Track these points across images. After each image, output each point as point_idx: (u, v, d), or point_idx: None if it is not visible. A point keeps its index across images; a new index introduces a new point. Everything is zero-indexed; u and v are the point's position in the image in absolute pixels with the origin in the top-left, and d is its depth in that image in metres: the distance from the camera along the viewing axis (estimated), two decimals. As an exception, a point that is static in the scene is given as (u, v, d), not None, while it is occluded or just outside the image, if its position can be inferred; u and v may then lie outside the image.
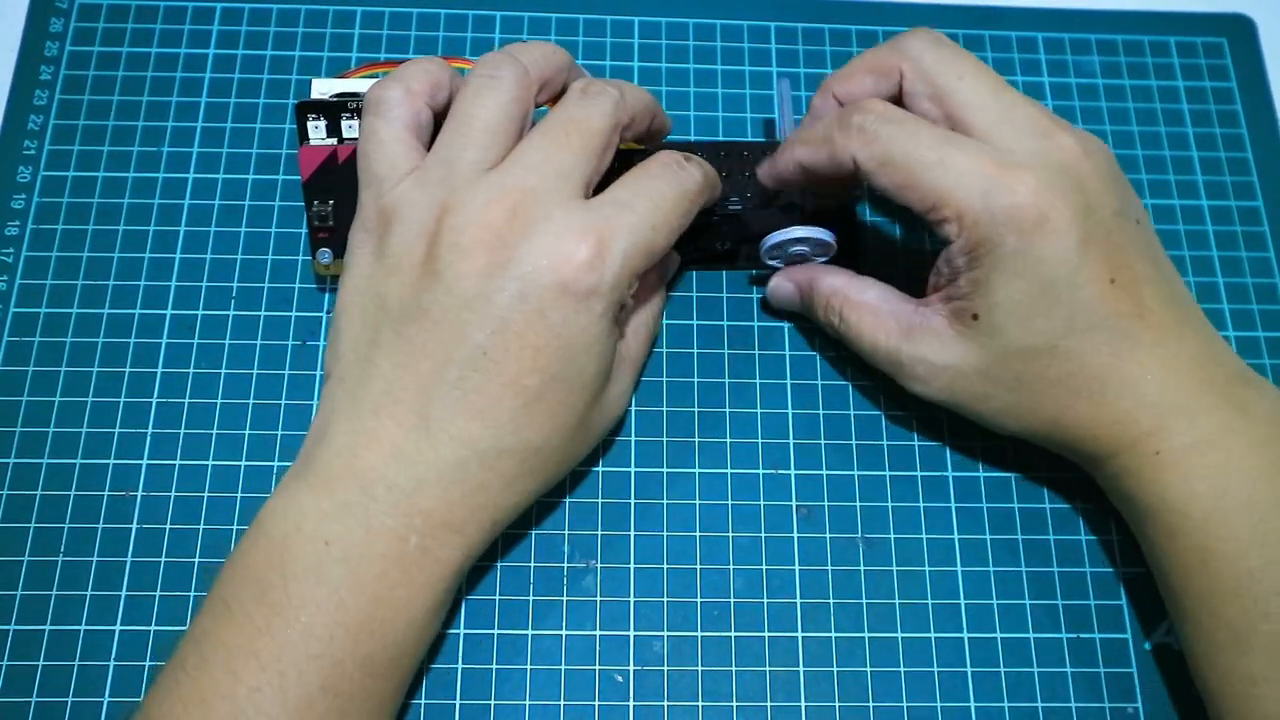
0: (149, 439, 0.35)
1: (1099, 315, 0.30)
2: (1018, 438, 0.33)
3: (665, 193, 0.30)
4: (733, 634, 0.33)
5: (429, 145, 0.31)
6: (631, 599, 0.33)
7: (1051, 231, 0.29)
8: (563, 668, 0.33)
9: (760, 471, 0.35)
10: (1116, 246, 0.30)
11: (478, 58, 0.31)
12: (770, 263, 0.36)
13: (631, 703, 0.32)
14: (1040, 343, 0.30)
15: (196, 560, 0.33)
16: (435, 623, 0.29)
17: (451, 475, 0.28)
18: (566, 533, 0.34)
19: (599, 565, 0.34)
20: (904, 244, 0.39)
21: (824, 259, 0.36)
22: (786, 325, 0.37)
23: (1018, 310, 0.30)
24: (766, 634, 0.33)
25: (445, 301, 0.28)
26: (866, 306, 0.33)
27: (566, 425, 0.30)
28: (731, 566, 0.34)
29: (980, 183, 0.29)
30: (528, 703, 0.32)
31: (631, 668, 0.33)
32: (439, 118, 0.31)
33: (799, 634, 0.33)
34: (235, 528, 0.34)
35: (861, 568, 0.34)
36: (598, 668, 0.33)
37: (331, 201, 0.34)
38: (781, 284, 0.36)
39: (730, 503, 0.35)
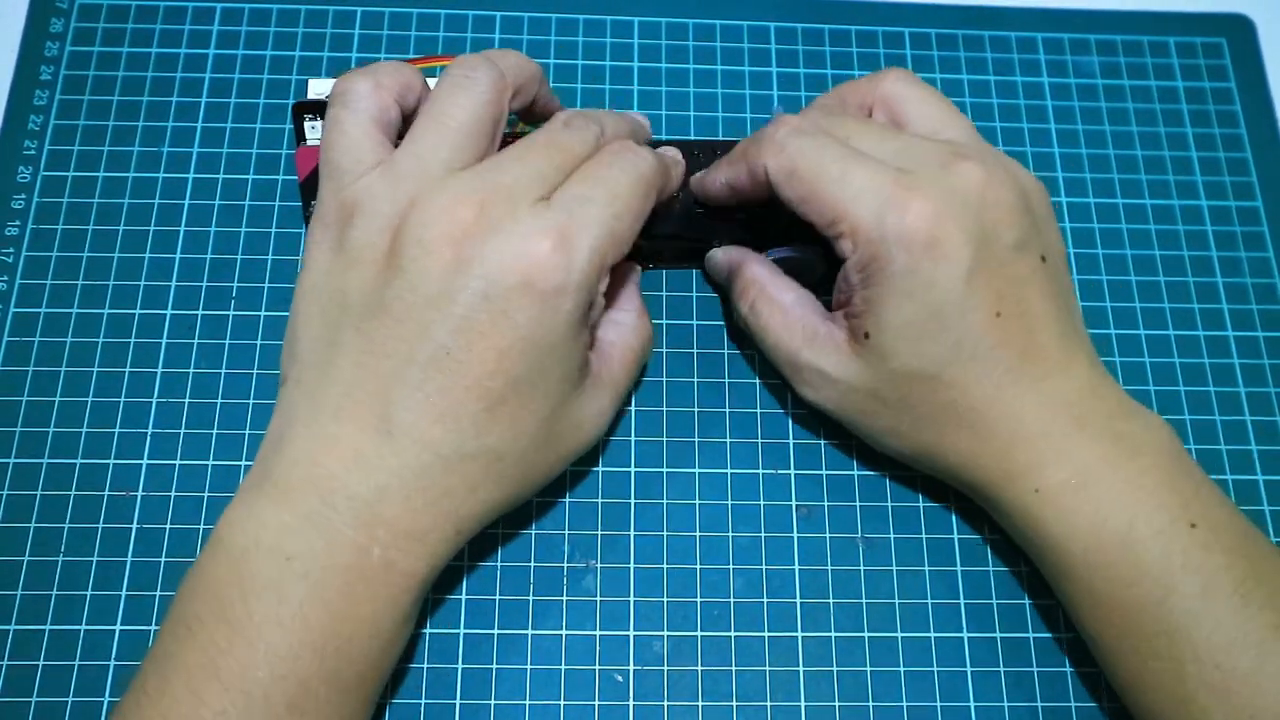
0: (149, 439, 0.35)
1: (984, 346, 0.30)
2: (902, 461, 0.34)
3: (621, 180, 0.29)
4: (733, 634, 0.33)
5: (395, 145, 0.30)
6: (631, 599, 0.34)
7: (941, 255, 0.29)
8: (563, 668, 0.33)
9: (760, 471, 0.35)
10: (1009, 280, 0.30)
11: (454, 56, 0.31)
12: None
13: (631, 703, 0.32)
14: (927, 368, 0.30)
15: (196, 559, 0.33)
16: (403, 635, 0.29)
17: (414, 482, 0.27)
18: (566, 533, 0.34)
19: (599, 565, 0.34)
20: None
21: (811, 276, 0.35)
22: (786, 325, 0.37)
23: (906, 332, 0.30)
24: (766, 634, 0.33)
25: (408, 298, 0.27)
26: (779, 305, 0.33)
27: (531, 432, 0.29)
28: (731, 566, 0.34)
29: (876, 200, 0.29)
30: (528, 703, 0.32)
31: (631, 668, 0.33)
32: (405, 121, 0.31)
33: (799, 634, 0.33)
34: (235, 528, 0.34)
35: (861, 568, 0.34)
36: (598, 668, 0.33)
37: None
38: (718, 256, 0.36)
39: (730, 503, 0.35)
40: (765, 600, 0.34)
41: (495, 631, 0.33)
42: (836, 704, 0.32)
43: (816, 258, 0.34)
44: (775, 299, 0.33)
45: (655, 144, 0.35)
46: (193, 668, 0.25)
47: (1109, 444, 0.30)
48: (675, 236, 0.36)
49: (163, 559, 0.33)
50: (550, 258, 0.27)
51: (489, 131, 0.30)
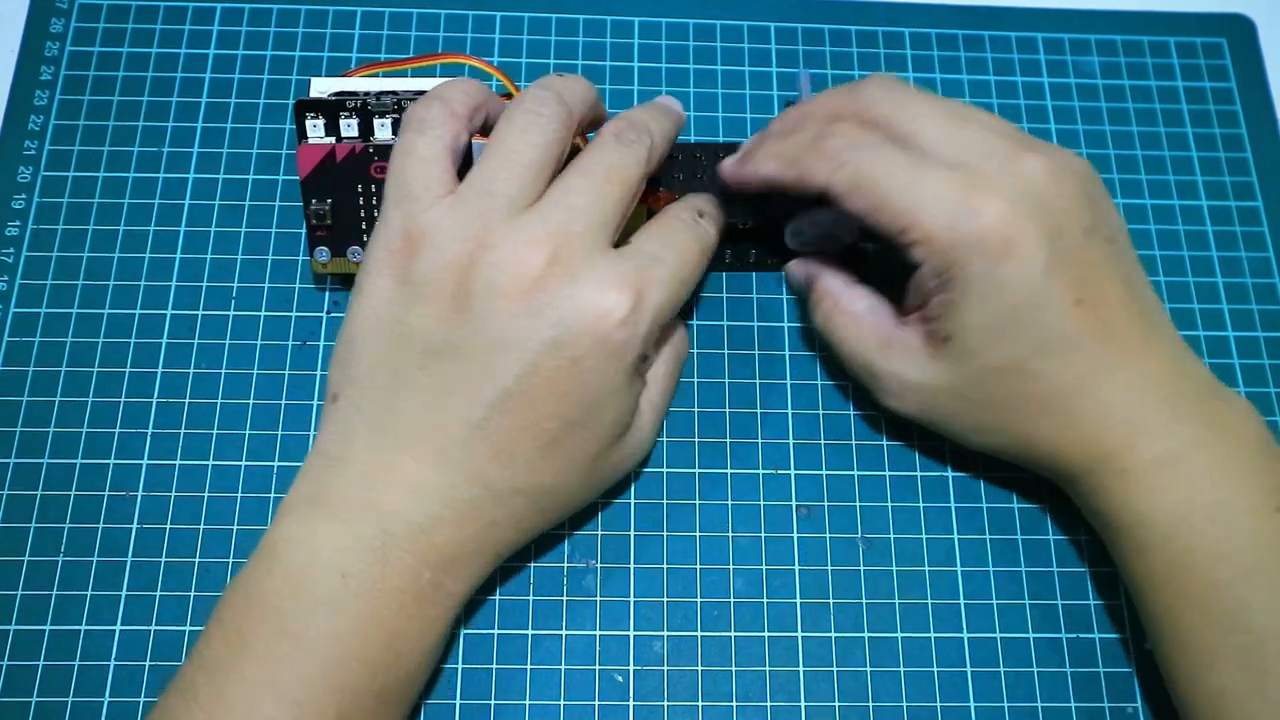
0: (149, 439, 0.35)
1: (1066, 337, 0.30)
2: (989, 454, 0.34)
3: (691, 245, 0.31)
4: (733, 634, 0.33)
5: (461, 171, 0.30)
6: (631, 599, 0.34)
7: (1017, 255, 0.29)
8: (563, 668, 0.33)
9: (760, 471, 0.35)
10: (1085, 267, 0.30)
11: (524, 85, 0.31)
12: (794, 245, 0.36)
13: (631, 703, 0.32)
14: (1009, 364, 0.30)
15: (196, 560, 0.33)
16: (441, 648, 0.30)
17: (466, 513, 0.29)
18: (567, 533, 0.34)
19: (599, 565, 0.34)
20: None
21: (850, 239, 0.35)
22: (786, 325, 0.37)
23: (987, 332, 0.30)
24: (766, 634, 0.33)
25: (478, 340, 0.28)
26: (852, 315, 0.34)
27: (579, 469, 0.30)
28: (731, 566, 0.34)
29: (947, 207, 0.29)
30: (528, 703, 0.32)
31: (631, 668, 0.33)
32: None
33: (799, 634, 0.33)
34: (235, 528, 0.34)
35: (861, 568, 0.34)
36: (598, 668, 0.33)
37: (329, 200, 0.34)
38: (794, 270, 0.37)
39: (730, 503, 0.35)
40: (765, 600, 0.34)
41: (495, 631, 0.33)
42: (836, 704, 0.32)
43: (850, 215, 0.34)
44: (848, 310, 0.34)
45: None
46: (250, 678, 0.26)
47: (1198, 424, 0.30)
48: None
49: (163, 559, 0.33)
50: (622, 311, 0.28)
51: (553, 169, 0.30)
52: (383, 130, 0.34)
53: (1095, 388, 0.30)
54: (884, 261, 0.35)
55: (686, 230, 0.31)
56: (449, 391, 0.28)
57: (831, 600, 0.34)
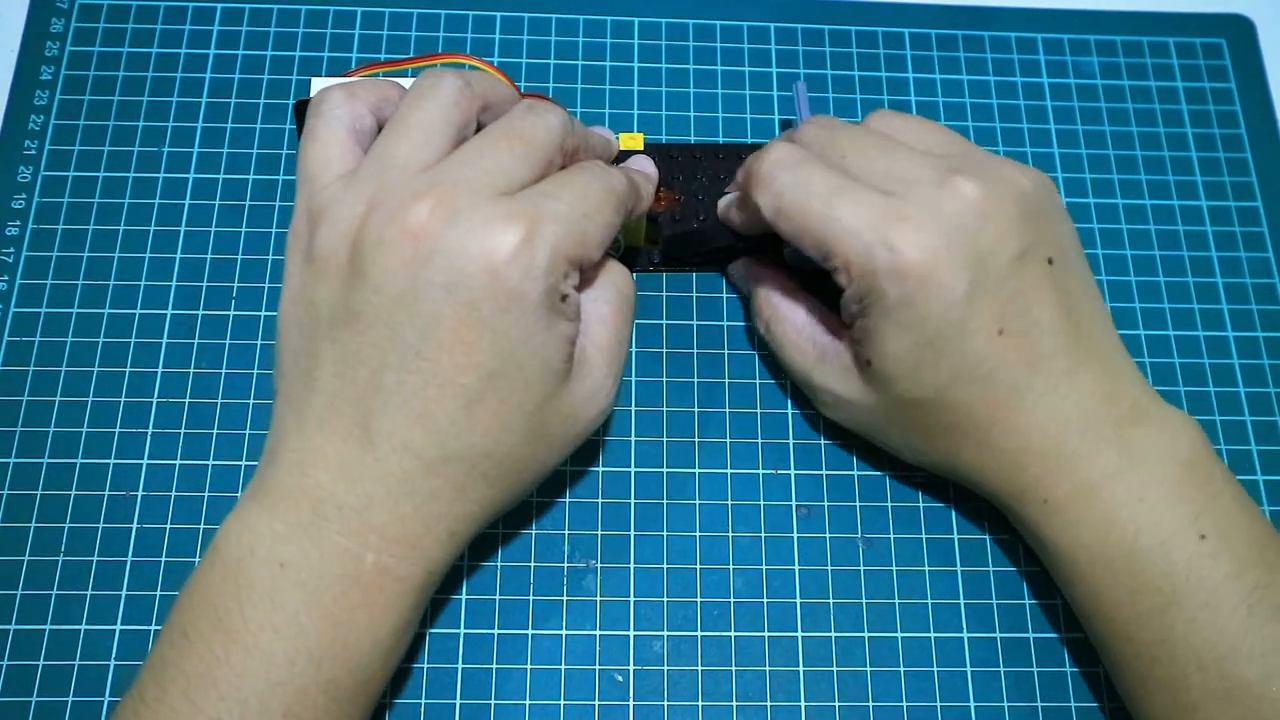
0: (149, 439, 0.35)
1: (986, 367, 0.29)
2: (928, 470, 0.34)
3: (592, 184, 0.29)
4: (733, 634, 0.33)
5: None
6: (631, 599, 0.34)
7: (936, 286, 0.28)
8: (563, 668, 0.33)
9: (760, 471, 0.35)
10: (1011, 294, 0.29)
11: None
12: (794, 262, 0.36)
13: (631, 703, 0.32)
14: (928, 393, 0.30)
15: (196, 560, 0.33)
16: (402, 643, 0.28)
17: (400, 488, 0.27)
18: (566, 533, 0.34)
19: (599, 565, 0.34)
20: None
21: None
22: (786, 325, 0.37)
23: (905, 361, 0.30)
24: (766, 634, 0.33)
25: (375, 301, 0.27)
26: (791, 324, 0.34)
27: (517, 427, 0.28)
28: (731, 566, 0.34)
29: (866, 235, 0.29)
30: (528, 703, 0.32)
31: (631, 668, 0.33)
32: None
33: (799, 634, 0.33)
34: (235, 528, 0.34)
35: (861, 568, 0.34)
36: (598, 668, 0.33)
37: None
38: (735, 270, 0.36)
39: (730, 503, 0.35)
40: (765, 600, 0.34)
41: (495, 631, 0.33)
42: (836, 704, 0.32)
43: None
44: (788, 318, 0.34)
45: (654, 147, 0.35)
46: (191, 676, 0.26)
47: (1117, 453, 0.29)
48: (700, 243, 0.36)
49: (163, 559, 0.33)
50: (510, 245, 0.26)
51: (451, 135, 0.29)
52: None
53: (1014, 419, 0.30)
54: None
55: (585, 172, 0.30)
56: (358, 361, 0.27)
57: (831, 600, 0.34)
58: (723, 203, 0.35)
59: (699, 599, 0.34)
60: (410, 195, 0.27)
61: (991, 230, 0.29)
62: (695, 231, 0.36)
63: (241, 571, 0.26)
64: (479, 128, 0.30)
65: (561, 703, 0.32)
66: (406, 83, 0.31)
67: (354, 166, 0.29)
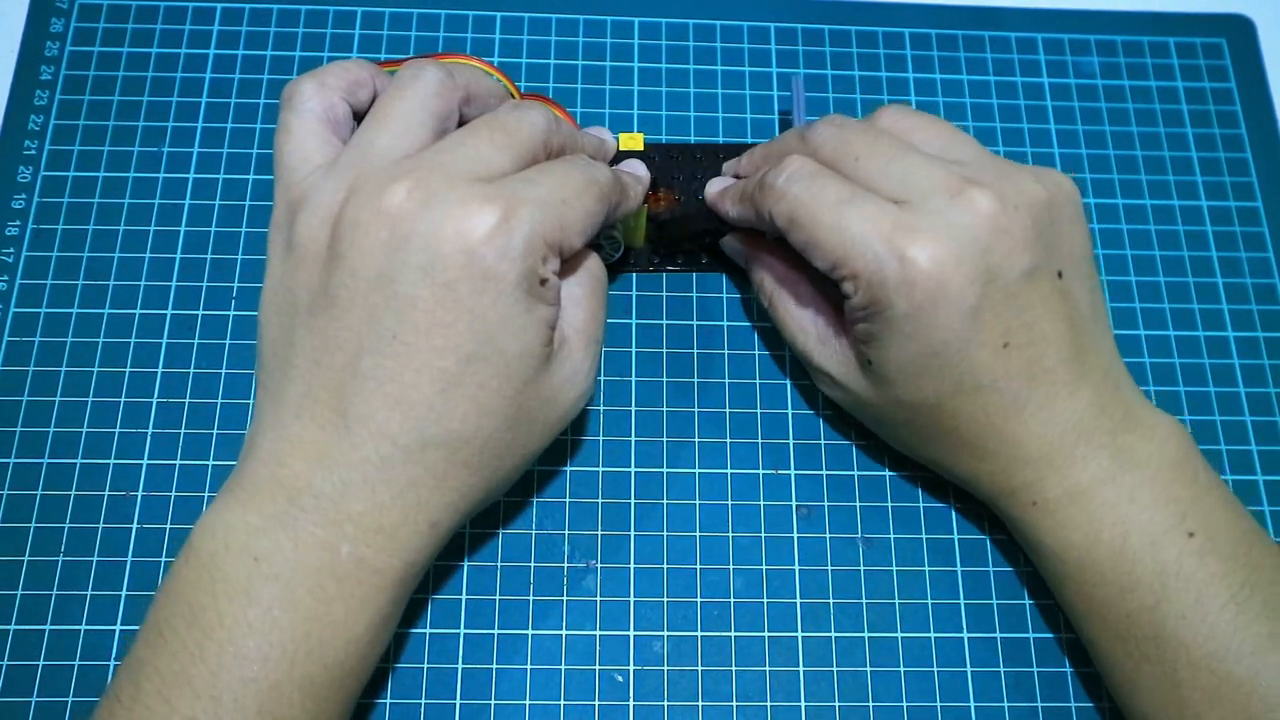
0: (149, 439, 0.35)
1: (987, 379, 0.29)
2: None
3: (572, 173, 0.29)
4: (733, 634, 0.33)
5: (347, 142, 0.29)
6: (631, 599, 0.34)
7: (944, 299, 0.28)
8: (563, 668, 0.33)
9: (760, 471, 0.35)
10: (1019, 310, 0.29)
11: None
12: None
13: (631, 703, 0.32)
14: (929, 400, 0.30)
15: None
16: (380, 639, 0.28)
17: (377, 475, 0.27)
18: (566, 533, 0.34)
19: (599, 565, 0.34)
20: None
21: None
22: (786, 325, 0.37)
23: (907, 368, 0.30)
24: (766, 634, 0.33)
25: (351, 284, 0.27)
26: (793, 302, 0.34)
27: (497, 411, 0.27)
28: (731, 566, 0.34)
29: (875, 248, 0.28)
30: (528, 703, 0.32)
31: (631, 668, 0.33)
32: (360, 117, 0.30)
33: (799, 634, 0.33)
34: (235, 528, 0.34)
35: (861, 568, 0.34)
36: (598, 668, 0.33)
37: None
38: (731, 244, 0.36)
39: (730, 503, 0.35)
40: (765, 600, 0.34)
41: (495, 631, 0.33)
42: (836, 704, 0.32)
43: None
44: (789, 295, 0.34)
45: (654, 147, 0.35)
46: (165, 674, 0.25)
47: (1108, 458, 0.30)
48: (700, 232, 0.36)
49: (163, 559, 0.33)
50: (486, 226, 0.26)
51: (432, 125, 0.29)
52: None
53: (1011, 428, 0.30)
54: None
55: (566, 162, 0.29)
56: (335, 346, 0.27)
57: (831, 600, 0.34)
58: (713, 189, 0.35)
59: (699, 599, 0.34)
60: (388, 179, 0.27)
61: (1004, 245, 0.29)
62: (682, 216, 0.36)
63: (216, 566, 0.26)
64: (464, 121, 0.30)
65: (561, 703, 0.32)
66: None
67: (332, 156, 0.29)
